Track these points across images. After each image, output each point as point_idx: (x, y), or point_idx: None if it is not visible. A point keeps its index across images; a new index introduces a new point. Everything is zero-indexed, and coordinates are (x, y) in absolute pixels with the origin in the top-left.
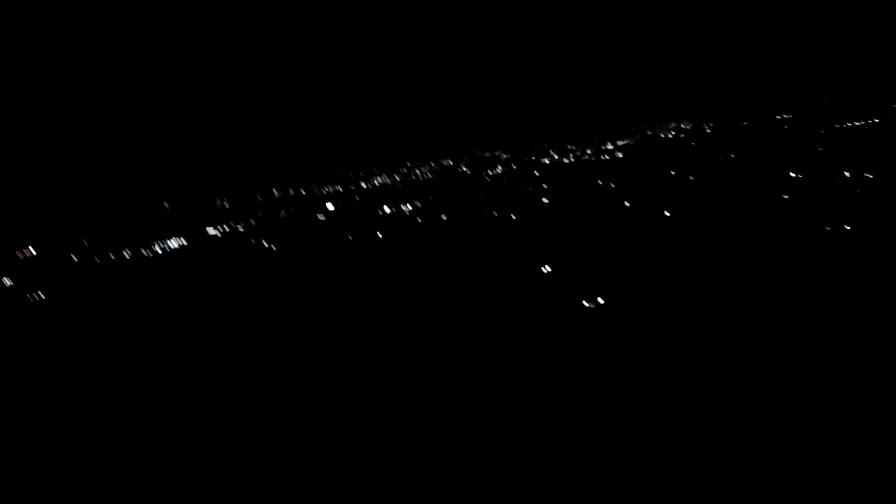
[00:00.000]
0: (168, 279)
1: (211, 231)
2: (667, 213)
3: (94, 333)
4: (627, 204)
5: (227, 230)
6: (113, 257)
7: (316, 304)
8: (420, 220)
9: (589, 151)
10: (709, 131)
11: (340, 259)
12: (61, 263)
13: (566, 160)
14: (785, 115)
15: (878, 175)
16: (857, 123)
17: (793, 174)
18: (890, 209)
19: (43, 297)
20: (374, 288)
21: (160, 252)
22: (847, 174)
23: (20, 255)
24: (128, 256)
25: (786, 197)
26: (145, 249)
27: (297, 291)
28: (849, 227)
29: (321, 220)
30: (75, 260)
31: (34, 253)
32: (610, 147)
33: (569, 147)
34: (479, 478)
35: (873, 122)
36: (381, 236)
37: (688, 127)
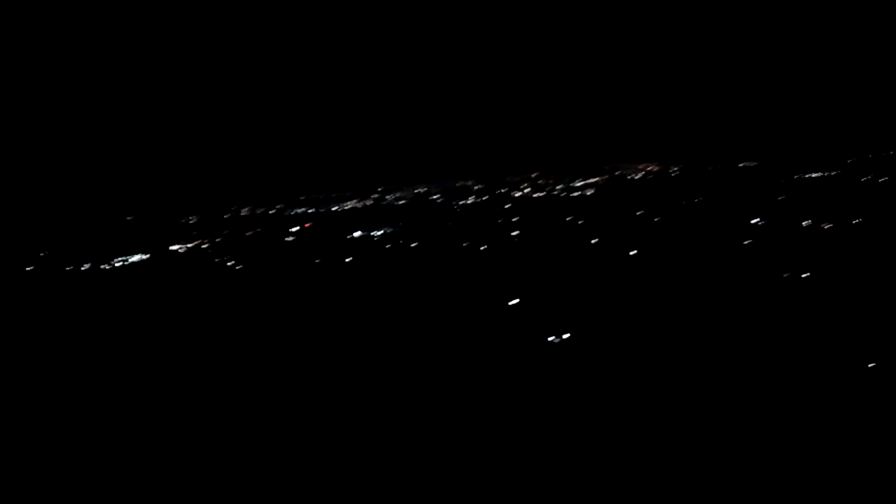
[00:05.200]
0: (128, 294)
1: (174, 247)
2: (632, 253)
3: (46, 350)
4: (594, 241)
5: (191, 247)
6: (69, 269)
7: (279, 326)
8: (389, 246)
9: (559, 187)
10: (675, 174)
11: (307, 282)
12: (14, 277)
13: (537, 195)
14: (748, 163)
15: (835, 225)
16: (816, 175)
17: (754, 220)
18: (847, 259)
19: None
20: (339, 313)
21: (119, 266)
22: (806, 223)
23: None
24: (86, 269)
25: (747, 242)
26: (105, 264)
27: (259, 313)
28: (806, 276)
29: (288, 241)
30: (29, 272)
31: None
32: (580, 184)
33: (539, 182)
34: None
35: (832, 174)
36: (349, 261)
37: (655, 169)
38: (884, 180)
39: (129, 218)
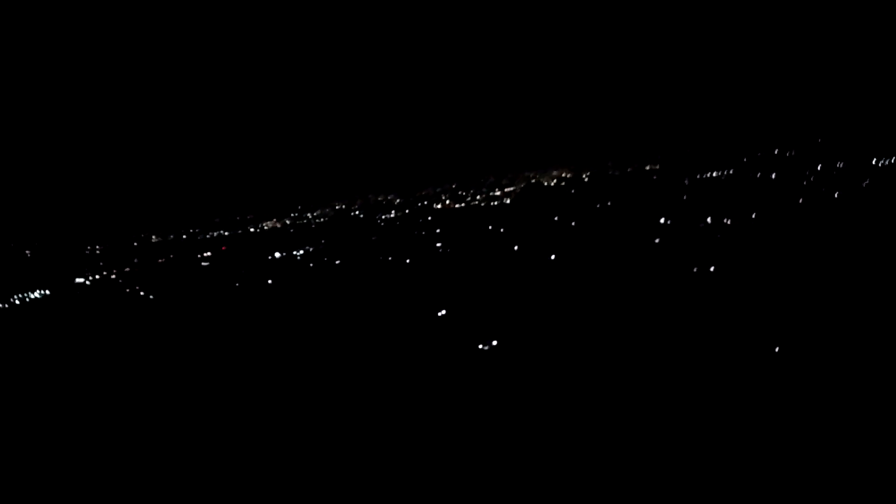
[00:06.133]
0: (30, 334)
1: (80, 280)
2: (552, 257)
3: None
4: (516, 248)
5: (98, 278)
6: None
7: (197, 357)
8: (312, 265)
9: (479, 197)
10: (586, 179)
11: (226, 308)
12: None
13: (457, 205)
14: (652, 166)
15: (735, 221)
16: (715, 174)
17: (661, 220)
18: (748, 252)
19: None
20: (262, 337)
21: (19, 304)
22: (709, 220)
23: None
24: None
25: (656, 241)
26: (2, 302)
27: (176, 344)
28: (712, 269)
29: (204, 266)
30: None
31: None
32: (498, 193)
33: (459, 193)
34: None
35: (728, 173)
36: (270, 283)
37: (568, 175)
38: (774, 176)
39: (26, 252)
